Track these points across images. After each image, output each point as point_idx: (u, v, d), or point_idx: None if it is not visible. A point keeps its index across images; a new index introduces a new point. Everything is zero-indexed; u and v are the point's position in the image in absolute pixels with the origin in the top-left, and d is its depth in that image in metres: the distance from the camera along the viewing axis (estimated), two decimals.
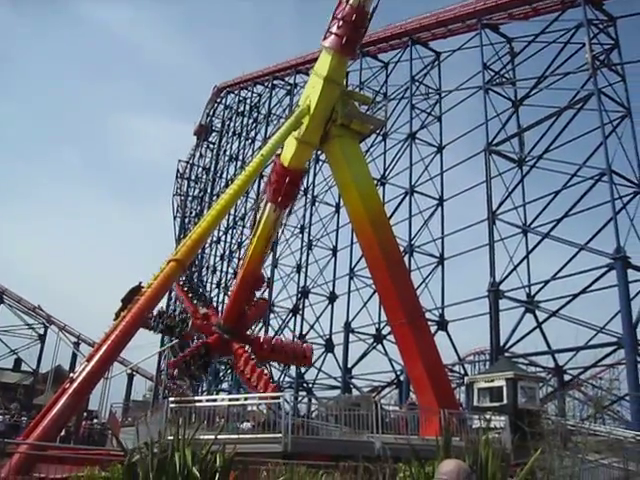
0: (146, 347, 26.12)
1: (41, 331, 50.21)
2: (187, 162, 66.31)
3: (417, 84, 32.14)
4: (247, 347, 18.62)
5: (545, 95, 24.94)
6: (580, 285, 20.90)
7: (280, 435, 10.44)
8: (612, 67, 22.72)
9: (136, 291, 14.64)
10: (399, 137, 31.95)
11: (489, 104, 25.94)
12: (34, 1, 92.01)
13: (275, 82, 46.73)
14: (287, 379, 35.40)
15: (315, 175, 38.38)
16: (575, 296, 20.93)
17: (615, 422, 18.89)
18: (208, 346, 18.27)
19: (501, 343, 22.16)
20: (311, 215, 38.06)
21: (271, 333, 37.08)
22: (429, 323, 19.93)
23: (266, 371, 19.33)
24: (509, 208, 24.53)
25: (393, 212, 29.24)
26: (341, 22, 15.15)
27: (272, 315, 37.24)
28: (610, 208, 19.89)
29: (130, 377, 51.73)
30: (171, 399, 12.51)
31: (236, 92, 55.38)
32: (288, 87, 45.56)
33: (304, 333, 34.78)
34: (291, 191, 18.57)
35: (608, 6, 23.55)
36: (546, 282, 22.83)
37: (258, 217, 19.91)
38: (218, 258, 51.37)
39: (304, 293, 36.01)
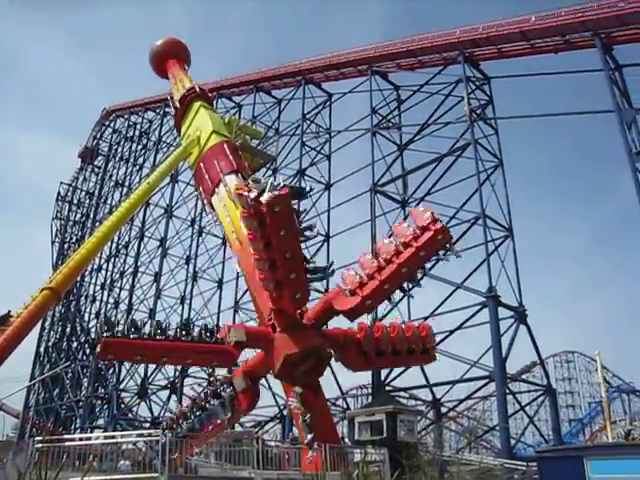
0: (14, 381, 24.28)
1: None
2: (70, 185, 63.09)
3: (308, 122, 33.03)
4: None
5: (428, 141, 26.49)
6: (456, 321, 22.14)
7: (157, 474, 10.02)
8: (487, 121, 24.66)
9: (3, 320, 13.62)
10: (289, 172, 32.44)
11: (376, 146, 27.20)
12: None
13: (167, 110, 45.92)
14: (168, 414, 34.06)
15: (203, 206, 37.91)
16: (451, 332, 22.04)
17: (487, 451, 19.98)
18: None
19: (382, 378, 22.78)
20: (197, 246, 37.54)
21: (151, 367, 35.75)
22: None
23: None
24: None
25: None
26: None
27: None
28: (484, 250, 21.33)
29: None
30: (37, 438, 11.63)
31: (126, 116, 53.73)
32: None
33: (186, 368, 33.81)
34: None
35: (484, 66, 25.75)
36: (425, 318, 23.74)
37: None
38: (98, 287, 48.83)
39: (187, 326, 34.99)
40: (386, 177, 26.67)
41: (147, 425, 33.63)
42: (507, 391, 20.09)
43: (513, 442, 20.12)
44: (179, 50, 26.53)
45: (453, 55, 25.31)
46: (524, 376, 33.11)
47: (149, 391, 34.80)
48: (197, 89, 21.96)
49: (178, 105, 21.81)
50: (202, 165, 18.29)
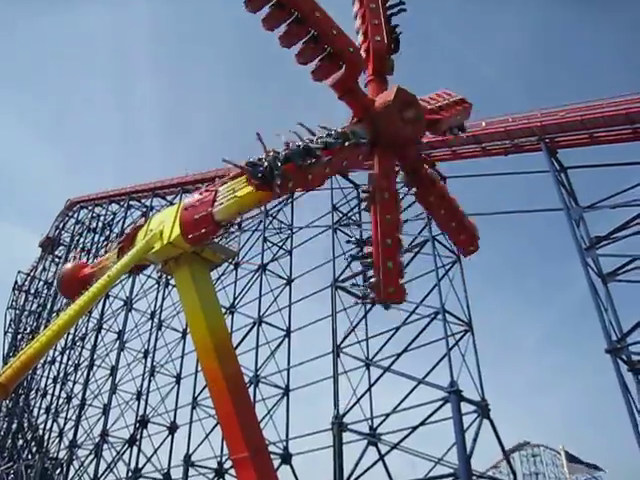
0: None
1: None
2: (28, 274, 62.16)
3: (270, 218, 33.64)
4: None
5: None
6: (420, 417, 21.91)
7: None
8: None
9: None
10: (250, 267, 32.69)
11: (337, 243, 27.78)
12: None
13: (131, 202, 46.44)
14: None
15: (164, 299, 37.67)
16: (414, 428, 21.79)
17: None
18: None
19: (345, 476, 22.15)
20: (156, 340, 36.80)
21: (103, 466, 34.11)
22: (273, 457, 19.59)
23: None
24: (353, 342, 25.59)
25: (240, 341, 29.28)
26: (199, 217, 13.91)
27: (105, 446, 34.41)
28: (444, 344, 21.52)
29: None
30: None
31: (90, 208, 53.97)
32: (144, 209, 45.40)
33: (140, 467, 32.34)
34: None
35: (440, 167, 26.66)
36: (387, 415, 23.59)
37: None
38: (50, 380, 47.07)
39: (143, 422, 33.89)
40: (347, 273, 27.03)
41: None
42: None
43: None
44: None
45: None
46: (490, 472, 32.58)
47: None
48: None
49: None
50: (187, 206, 17.24)
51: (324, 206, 30.07)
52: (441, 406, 20.89)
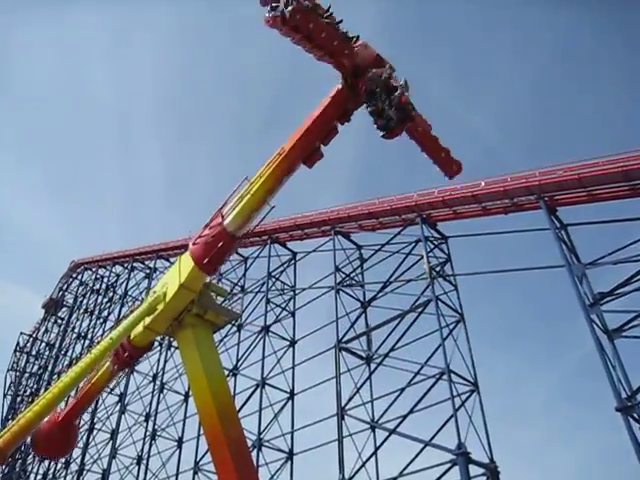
0: None
1: None
2: (30, 336, 62.04)
3: (274, 280, 33.71)
4: None
5: (390, 298, 27.09)
6: None
7: None
8: (446, 277, 25.61)
9: None
10: (253, 329, 32.52)
11: (340, 303, 27.80)
12: None
13: (135, 264, 46.79)
14: None
15: (166, 361, 37.42)
16: None
17: None
18: None
19: None
20: (158, 403, 36.35)
21: None
22: None
23: None
24: (358, 404, 25.23)
25: (243, 404, 28.84)
26: (211, 239, 15.41)
27: None
28: (450, 405, 21.20)
29: None
30: None
31: (94, 269, 54.39)
32: (147, 270, 45.75)
33: None
34: (127, 363, 18.68)
35: (442, 226, 27.23)
36: (394, 479, 23.04)
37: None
38: None
39: None
40: (350, 334, 26.96)
41: None
42: None
43: None
44: None
45: (412, 217, 26.84)
46: None
47: None
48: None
49: None
50: (192, 241, 17.89)
51: (326, 267, 30.26)
52: (449, 469, 20.39)
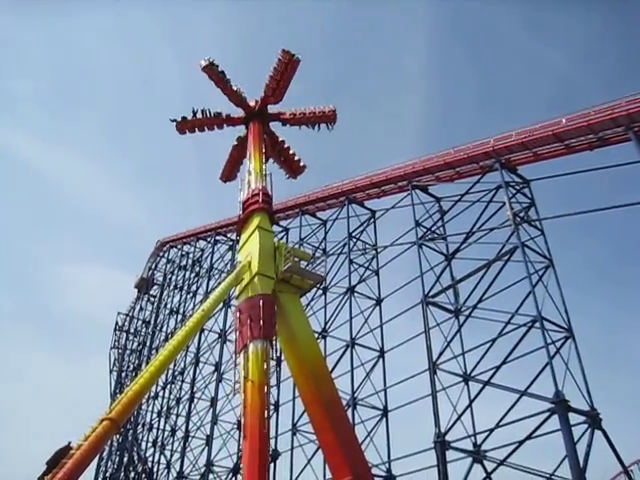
0: None
1: None
2: (127, 315, 65.38)
3: (354, 240, 33.68)
4: None
5: (474, 249, 26.48)
6: (525, 431, 20.97)
7: None
8: (531, 223, 24.66)
9: (64, 453, 13.58)
10: (339, 291, 32.70)
11: (423, 258, 27.36)
12: None
13: (218, 238, 47.85)
14: None
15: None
16: (521, 443, 20.85)
17: None
18: None
19: None
20: None
21: None
22: (376, 479, 19.35)
23: None
24: (449, 357, 25.00)
25: (335, 365, 29.23)
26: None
27: (211, 476, 35.11)
28: (545, 353, 20.59)
29: None
30: None
31: (179, 246, 56.20)
32: (230, 242, 46.68)
33: None
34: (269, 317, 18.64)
35: (522, 170, 26.13)
36: (491, 430, 22.73)
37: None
38: (155, 415, 48.89)
39: None
40: (436, 288, 26.53)
41: None
42: None
43: None
44: None
45: (490, 163, 25.94)
46: None
47: None
48: (259, 198, 23.29)
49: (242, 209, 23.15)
50: (238, 315, 18.72)
51: (407, 223, 29.81)
52: (547, 418, 19.88)
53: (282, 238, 37.72)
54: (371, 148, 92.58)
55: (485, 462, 22.20)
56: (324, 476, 28.28)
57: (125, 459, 49.80)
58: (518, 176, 26.11)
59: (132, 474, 48.17)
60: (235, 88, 27.24)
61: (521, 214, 24.81)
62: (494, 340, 23.60)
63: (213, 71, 21.95)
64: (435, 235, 28.85)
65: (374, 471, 22.95)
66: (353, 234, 33.72)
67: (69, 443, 13.92)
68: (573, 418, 19.55)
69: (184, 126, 21.35)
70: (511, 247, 23.78)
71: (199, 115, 24.37)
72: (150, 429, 48.99)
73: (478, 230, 26.13)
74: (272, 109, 30.02)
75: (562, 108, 23.16)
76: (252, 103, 29.23)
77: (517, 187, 25.77)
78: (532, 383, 21.22)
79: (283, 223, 40.02)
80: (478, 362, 24.12)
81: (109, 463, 52.52)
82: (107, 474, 51.70)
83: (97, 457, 45.84)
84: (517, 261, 23.31)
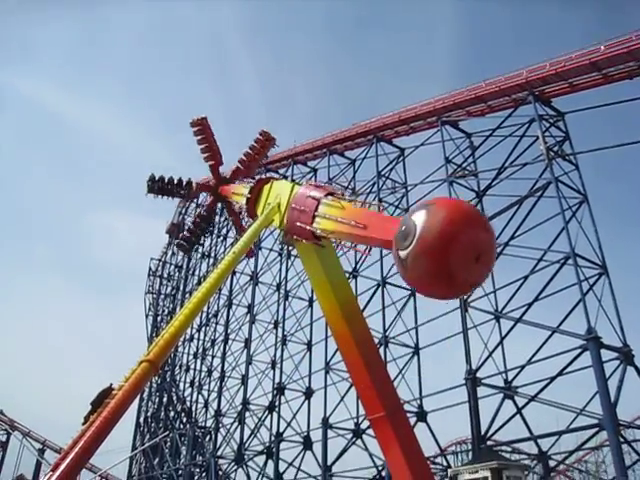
0: (117, 452, 25.02)
1: (3, 438, 47.95)
2: (159, 260, 66.32)
3: (384, 179, 33.15)
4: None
5: (506, 185, 25.87)
6: (556, 367, 20.96)
7: None
8: (565, 157, 23.89)
9: (106, 394, 14.02)
10: None
11: (454, 195, 26.82)
12: None
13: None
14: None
15: (287, 270, 38.63)
16: (552, 379, 20.89)
17: None
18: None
19: (482, 431, 21.72)
20: (284, 310, 37.88)
21: (247, 433, 36.13)
22: (408, 415, 19.59)
23: None
24: (480, 295, 24.84)
25: (366, 304, 29.35)
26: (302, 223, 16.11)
27: (247, 413, 36.24)
28: (578, 290, 20.30)
29: None
30: None
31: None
32: None
33: (281, 431, 33.75)
34: None
35: (556, 102, 25.14)
36: (522, 367, 22.80)
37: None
38: (191, 356, 50.42)
39: (280, 389, 35.23)
40: None
41: None
42: (621, 440, 18.58)
43: None
44: None
45: (523, 96, 25.02)
46: (638, 422, 30.66)
47: (245, 457, 34.90)
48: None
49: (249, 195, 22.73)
50: (294, 206, 18.40)
51: (436, 160, 29.12)
52: (579, 354, 19.77)
53: (310, 179, 37.42)
54: (401, 87, 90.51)
55: (516, 398, 22.37)
56: (357, 412, 28.99)
57: (164, 399, 51.63)
58: (552, 109, 25.14)
59: (172, 413, 50.04)
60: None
61: (555, 148, 24.03)
62: (526, 277, 23.35)
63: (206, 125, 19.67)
64: (466, 172, 28.21)
65: (406, 407, 23.29)
66: (382, 173, 33.17)
67: (111, 385, 14.26)
68: (605, 355, 19.47)
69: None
70: (544, 183, 23.17)
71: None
72: (187, 370, 50.56)
73: (510, 166, 25.46)
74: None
75: (598, 36, 21.94)
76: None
77: (551, 120, 24.86)
78: (564, 319, 21.05)
79: (311, 164, 39.70)
80: (509, 299, 23.96)
81: (149, 403, 54.51)
82: (148, 414, 53.73)
83: (138, 397, 47.67)
84: (550, 197, 22.75)
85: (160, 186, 16.23)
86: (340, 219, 8.86)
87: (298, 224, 15.80)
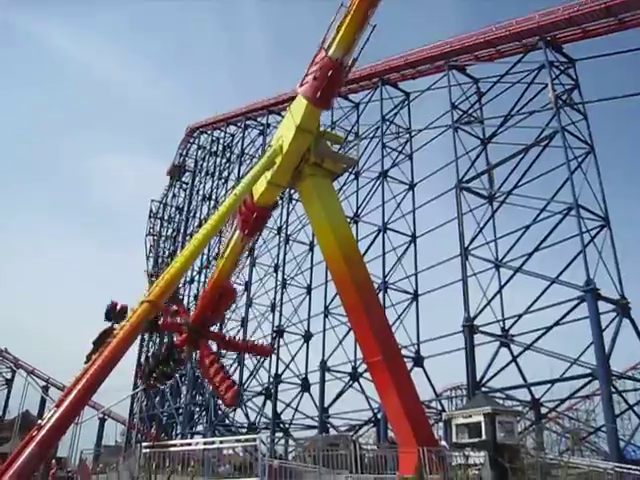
0: (118, 390, 25.53)
1: (8, 375, 48.85)
2: (160, 202, 66.08)
3: (388, 123, 32.73)
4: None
5: (512, 133, 25.52)
6: (553, 318, 21.19)
7: (257, 479, 10.27)
8: (574, 106, 23.43)
9: (108, 333, 14.25)
10: (371, 175, 32.30)
11: (458, 142, 26.48)
12: None
13: (248, 122, 47.15)
14: (263, 420, 34.89)
15: (289, 214, 38.62)
16: (548, 329, 21.17)
17: (592, 454, 18.92)
18: (173, 346, 19.27)
19: (477, 378, 22.14)
20: (285, 254, 38.08)
21: (246, 374, 36.87)
22: (405, 360, 19.89)
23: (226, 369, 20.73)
24: (481, 243, 24.89)
25: (367, 249, 29.43)
26: (318, 72, 14.81)
27: (247, 355, 36.85)
28: (579, 241, 20.29)
29: (101, 421, 50.57)
30: (144, 444, 12.18)
31: (209, 132, 55.59)
32: (261, 127, 46.05)
33: (280, 373, 34.39)
34: (257, 225, 18.81)
35: (568, 49, 24.50)
36: (519, 316, 23.04)
37: (226, 241, 19.96)
38: (192, 298, 50.82)
39: (279, 332, 35.75)
40: (471, 173, 25.88)
41: (244, 431, 34.53)
42: (612, 390, 18.92)
43: (622, 444, 18.93)
44: None
45: (533, 41, 24.35)
46: (630, 373, 31.19)
47: (244, 397, 35.66)
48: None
49: None
50: None
51: (442, 105, 28.62)
52: (577, 305, 19.95)
53: None
54: (408, 30, 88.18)
55: (512, 346, 22.70)
56: (355, 356, 29.47)
57: (165, 339, 52.27)
58: (563, 55, 24.50)
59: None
60: None
61: (564, 97, 23.55)
62: (527, 227, 23.29)
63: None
64: (472, 118, 27.75)
65: (403, 352, 23.60)
66: (386, 117, 32.71)
67: (112, 324, 14.51)
68: (602, 308, 19.66)
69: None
70: (551, 132, 22.82)
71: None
72: (188, 311, 50.91)
73: (517, 113, 25.03)
74: None
75: None
76: None
77: (561, 67, 24.26)
78: (564, 270, 21.14)
79: None
80: (510, 249, 23.99)
81: (150, 343, 55.27)
82: (149, 353, 54.59)
83: (139, 337, 48.26)
84: (556, 147, 22.44)
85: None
86: None
87: (318, 72, 15.02)
